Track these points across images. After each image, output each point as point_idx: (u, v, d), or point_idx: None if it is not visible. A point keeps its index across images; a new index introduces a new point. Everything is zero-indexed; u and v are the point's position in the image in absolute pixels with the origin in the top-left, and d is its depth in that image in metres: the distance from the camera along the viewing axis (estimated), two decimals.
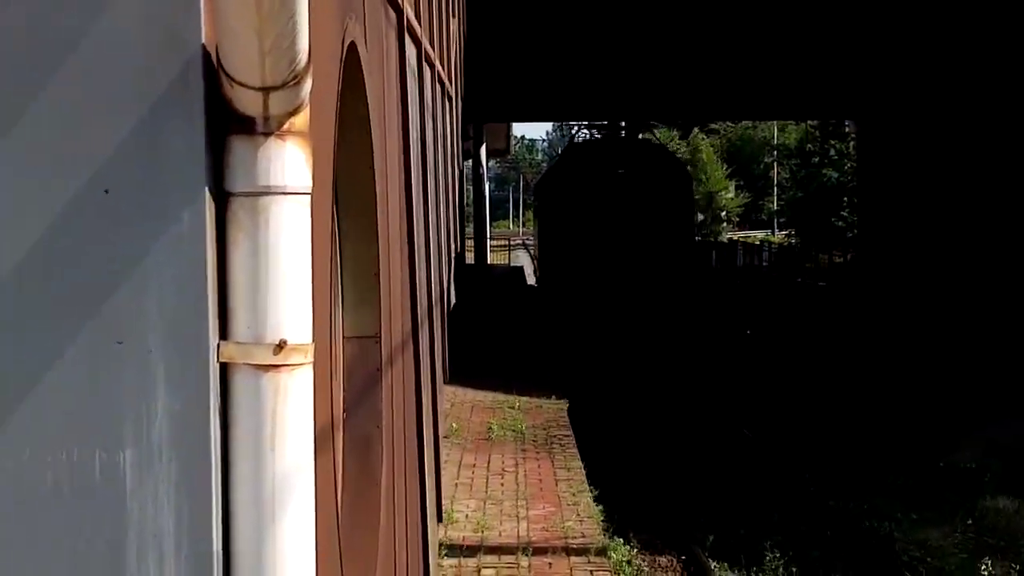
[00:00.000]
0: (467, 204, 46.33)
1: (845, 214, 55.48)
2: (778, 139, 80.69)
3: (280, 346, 2.86)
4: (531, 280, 47.55)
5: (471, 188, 48.21)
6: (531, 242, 72.69)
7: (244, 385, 2.84)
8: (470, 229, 47.80)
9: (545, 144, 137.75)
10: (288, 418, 2.86)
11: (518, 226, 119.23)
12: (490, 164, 60.31)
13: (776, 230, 77.42)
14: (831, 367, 29.78)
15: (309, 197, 2.95)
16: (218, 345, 2.81)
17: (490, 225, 55.69)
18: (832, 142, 58.52)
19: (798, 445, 21.94)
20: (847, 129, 55.95)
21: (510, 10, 35.46)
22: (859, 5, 34.41)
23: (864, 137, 43.15)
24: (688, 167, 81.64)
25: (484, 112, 37.94)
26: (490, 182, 63.00)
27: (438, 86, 14.86)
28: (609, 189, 31.89)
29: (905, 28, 33.44)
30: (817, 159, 60.17)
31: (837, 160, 57.93)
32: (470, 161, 43.88)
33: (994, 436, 19.53)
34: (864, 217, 43.00)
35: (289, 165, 2.89)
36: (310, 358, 2.92)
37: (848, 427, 23.23)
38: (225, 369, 2.83)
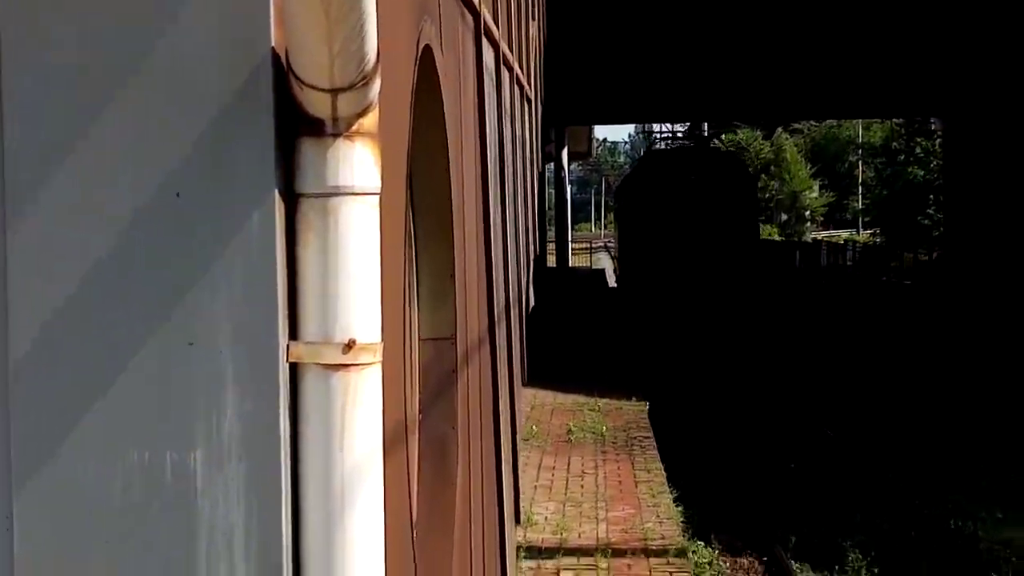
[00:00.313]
0: (549, 207, 46.31)
1: (931, 212, 54.85)
2: (863, 137, 79.92)
3: (349, 345, 2.87)
4: (612, 282, 47.56)
5: (552, 191, 48.18)
6: (612, 244, 72.57)
7: (313, 384, 2.86)
8: (552, 232, 47.78)
9: (627, 146, 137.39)
10: (357, 417, 2.87)
11: (600, 229, 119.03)
12: (572, 167, 60.23)
13: (861, 229, 76.65)
14: (916, 366, 29.46)
15: (378, 198, 2.96)
16: (287, 345, 2.83)
17: (572, 228, 55.58)
18: (918, 140, 57.90)
19: (882, 445, 21.73)
20: (933, 127, 55.30)
21: (591, 12, 35.41)
22: (942, 4, 33.99)
23: (951, 135, 42.62)
24: (771, 167, 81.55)
25: (566, 115, 37.95)
26: (572, 185, 62.90)
27: (516, 89, 14.87)
28: (681, 194, 34.17)
29: (992, 24, 32.97)
30: (903, 157, 59.53)
31: (923, 158, 57.31)
32: (552, 164, 43.86)
33: None
34: (950, 215, 42.49)
35: (358, 166, 2.91)
36: (379, 357, 2.93)
37: (933, 427, 22.98)
38: (294, 369, 2.85)
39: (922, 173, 56.90)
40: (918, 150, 57.98)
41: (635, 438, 16.83)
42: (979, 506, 17.09)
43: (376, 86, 2.92)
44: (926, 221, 55.18)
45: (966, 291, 35.71)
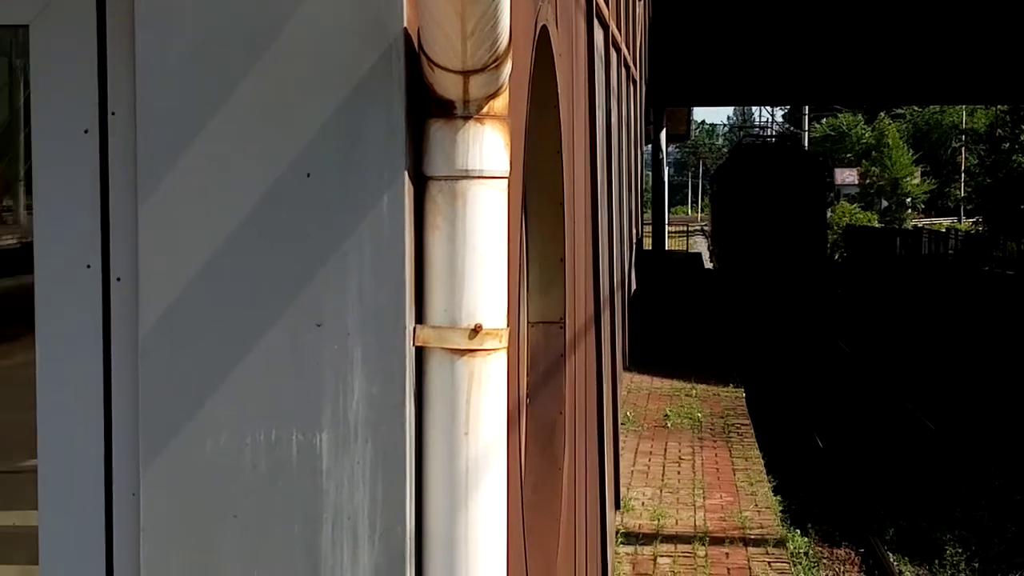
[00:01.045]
0: (645, 189, 46.15)
1: None
2: (967, 124, 78.61)
3: (475, 330, 2.85)
4: (707, 266, 47.44)
5: (650, 173, 47.96)
6: (708, 228, 72.26)
7: (439, 369, 2.84)
8: (648, 215, 47.58)
9: (725, 129, 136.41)
10: (482, 403, 2.85)
11: (696, 212, 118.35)
12: (669, 149, 59.90)
13: (963, 217, 75.42)
14: (1019, 358, 28.96)
15: (507, 181, 2.94)
16: (414, 329, 2.81)
17: (668, 211, 55.28)
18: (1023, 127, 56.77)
19: (983, 438, 21.40)
20: None
21: None
22: None
23: None
24: (872, 152, 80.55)
25: (665, 96, 37.73)
26: (669, 167, 62.62)
27: (623, 70, 14.79)
28: (761, 185, 39.14)
29: None
30: (1007, 145, 58.39)
31: None
32: (649, 146, 43.63)
33: None
34: None
35: (487, 149, 2.88)
36: (504, 343, 2.90)
37: None
38: (420, 352, 2.83)
39: None
40: (1023, 137, 56.86)
41: (732, 425, 16.72)
42: None
43: (507, 68, 2.89)
44: None
45: None
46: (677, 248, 62.51)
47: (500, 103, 2.92)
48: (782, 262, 37.92)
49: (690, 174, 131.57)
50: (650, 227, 47.82)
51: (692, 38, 36.16)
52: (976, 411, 23.86)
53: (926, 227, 63.83)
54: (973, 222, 66.01)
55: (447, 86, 2.83)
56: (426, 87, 2.86)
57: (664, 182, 48.14)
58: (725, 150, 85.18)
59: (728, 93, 43.15)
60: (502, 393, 2.91)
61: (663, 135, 45.07)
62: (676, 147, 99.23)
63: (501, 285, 2.91)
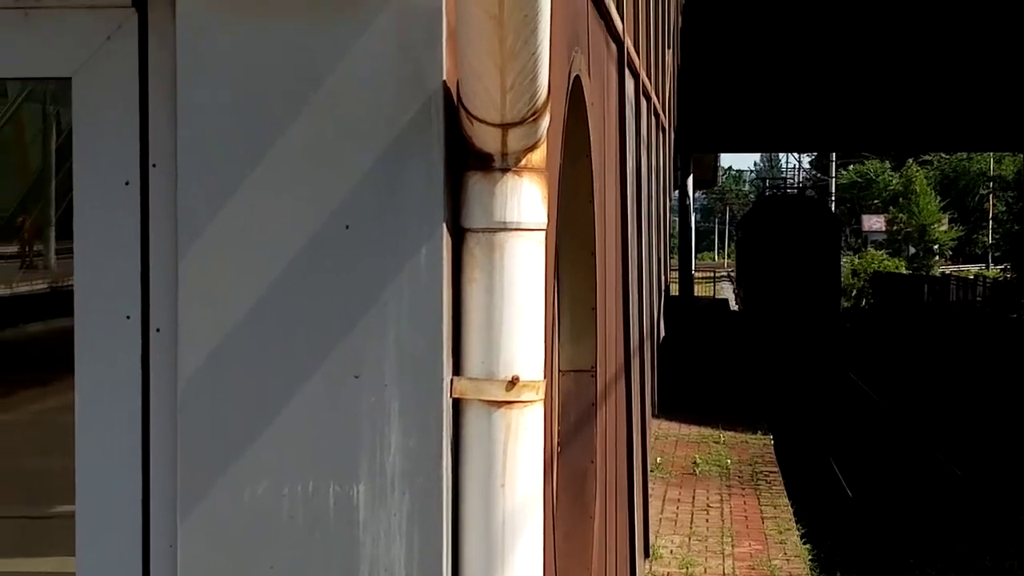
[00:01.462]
0: (672, 236, 46.18)
1: None
2: (994, 171, 78.39)
3: (513, 382, 2.85)
4: (734, 306, 47.74)
5: (676, 219, 47.92)
6: (734, 274, 72.37)
7: (476, 421, 2.84)
8: (675, 260, 47.55)
9: (752, 175, 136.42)
10: (519, 455, 2.85)
11: (723, 258, 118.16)
12: (697, 195, 59.92)
13: (991, 264, 75.11)
14: None
15: (544, 233, 2.94)
16: (451, 380, 2.81)
17: (695, 257, 55.27)
18: None
19: (1012, 486, 21.23)
20: None
21: (722, 40, 35.25)
22: None
23: None
24: (900, 198, 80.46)
25: (692, 142, 37.78)
26: (696, 213, 62.67)
27: (653, 118, 14.83)
28: (782, 234, 43.27)
29: None
30: None
31: None
32: (676, 192, 43.64)
33: None
34: None
35: (525, 201, 2.89)
36: (541, 395, 2.90)
37: None
38: (458, 404, 2.83)
39: None
40: None
41: (761, 472, 16.62)
42: None
43: (546, 121, 2.90)
44: None
45: None
46: (704, 294, 62.39)
47: (538, 156, 2.93)
48: (796, 306, 41.91)
49: (717, 220, 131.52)
50: (677, 273, 47.77)
51: (720, 85, 36.23)
52: (1004, 458, 23.69)
53: (954, 274, 63.57)
54: (1001, 269, 65.71)
55: (486, 139, 2.85)
56: (464, 139, 2.87)
57: (691, 228, 48.12)
58: (752, 196, 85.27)
59: (755, 140, 43.26)
60: (539, 445, 2.90)
61: (690, 181, 45.08)
62: (703, 193, 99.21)
63: (539, 337, 2.91)
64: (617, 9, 7.72)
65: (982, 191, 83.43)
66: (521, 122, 2.83)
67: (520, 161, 2.90)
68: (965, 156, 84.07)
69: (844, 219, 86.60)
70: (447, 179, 2.80)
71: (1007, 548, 17.23)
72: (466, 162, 2.88)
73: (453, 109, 2.83)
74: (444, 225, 2.78)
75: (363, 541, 2.76)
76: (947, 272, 67.89)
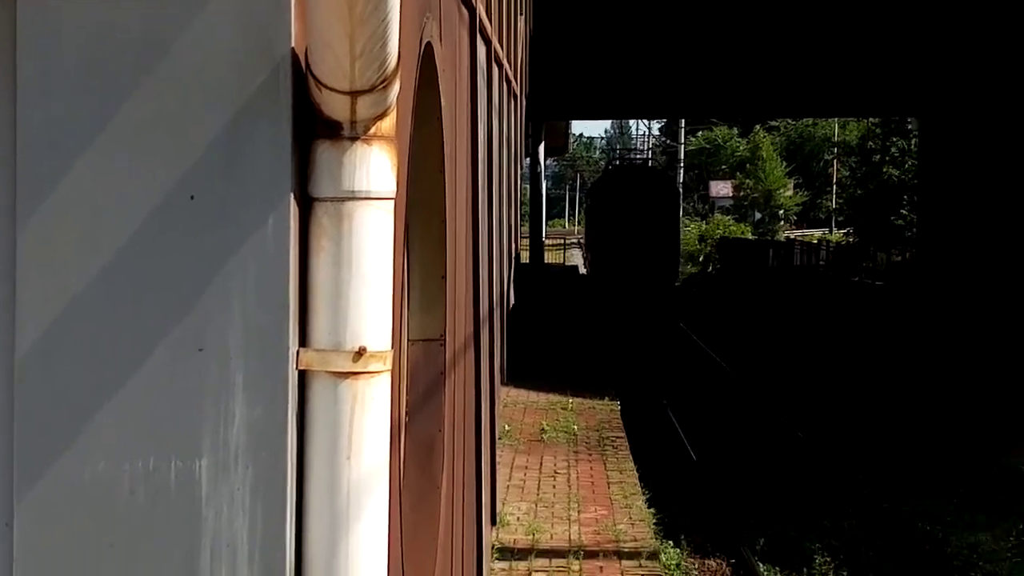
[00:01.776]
0: (524, 203, 46.35)
1: (905, 213, 54.87)
2: (839, 136, 79.96)
3: (359, 353, 2.82)
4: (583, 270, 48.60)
5: (528, 186, 48.08)
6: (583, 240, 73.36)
7: (322, 392, 2.81)
8: (526, 228, 47.72)
9: (603, 142, 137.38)
10: (366, 426, 2.82)
11: (574, 225, 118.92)
12: (548, 162, 60.19)
13: (834, 228, 76.69)
14: (888, 368, 29.55)
15: (393, 203, 2.91)
16: (297, 352, 2.78)
17: (546, 224, 55.57)
18: (893, 139, 57.86)
19: (852, 447, 21.79)
20: (909, 127, 55.35)
21: (571, 8, 35.36)
22: (921, 3, 34.06)
23: (927, 135, 42.67)
24: (747, 164, 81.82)
25: (544, 110, 37.88)
26: (547, 180, 62.97)
27: (505, 85, 14.81)
28: (624, 202, 45.41)
29: (970, 23, 33.03)
30: (878, 157, 59.42)
31: (898, 158, 57.28)
32: (528, 159, 43.77)
33: None
34: (924, 216, 42.55)
35: (374, 170, 2.85)
36: (389, 365, 2.88)
37: (903, 429, 23.06)
38: (303, 376, 2.80)
39: (897, 173, 56.82)
40: (893, 150, 57.85)
41: (607, 438, 16.81)
42: (947, 509, 17.14)
43: (395, 89, 2.87)
44: (900, 221, 55.10)
45: (939, 292, 35.78)
46: (555, 261, 62.77)
47: (388, 124, 2.89)
48: (636, 271, 44.12)
49: (568, 187, 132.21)
50: (528, 240, 47.97)
51: (571, 53, 36.37)
52: (845, 420, 24.30)
53: (798, 238, 64.76)
54: (844, 233, 67.11)
55: (335, 107, 2.81)
56: (313, 107, 2.82)
57: (542, 195, 48.34)
58: (603, 163, 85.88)
59: (605, 107, 43.54)
60: (386, 417, 2.88)
61: (542, 148, 45.26)
62: (555, 160, 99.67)
63: (386, 307, 2.88)
64: None
65: (827, 157, 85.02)
66: (371, 90, 2.80)
67: (370, 129, 2.87)
68: (811, 122, 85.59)
69: (692, 185, 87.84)
70: (295, 148, 2.76)
71: (845, 508, 17.68)
72: (315, 130, 2.84)
73: (302, 76, 2.78)
74: (291, 195, 2.74)
75: (205, 515, 2.72)
76: (792, 237, 69.11)
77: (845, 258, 51.76)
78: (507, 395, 19.27)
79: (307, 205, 2.81)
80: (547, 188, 61.36)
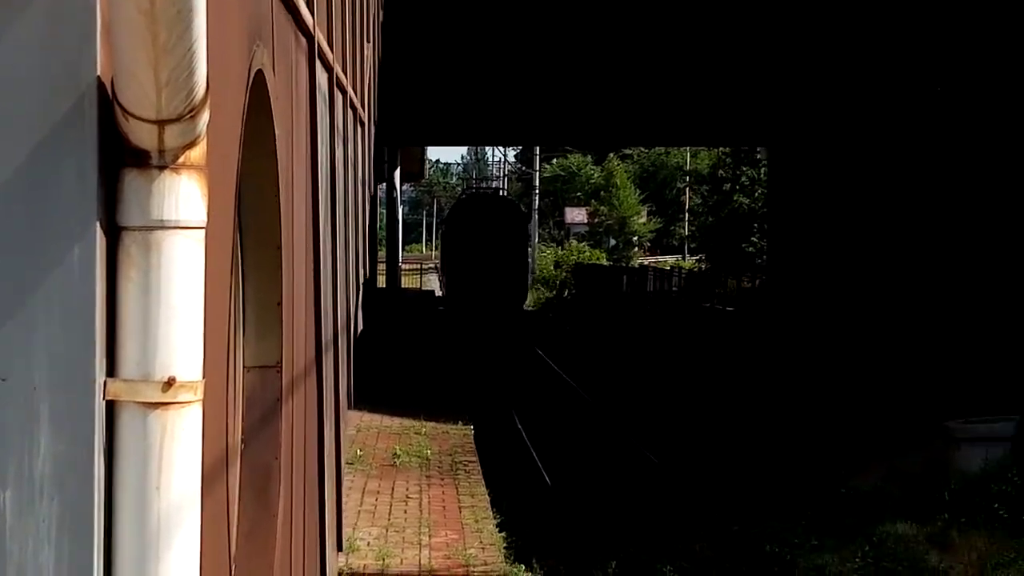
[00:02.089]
0: (380, 228, 46.30)
1: (755, 240, 55.88)
2: (691, 165, 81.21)
3: (169, 383, 2.81)
4: (441, 305, 48.28)
5: (384, 212, 48.04)
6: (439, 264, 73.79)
7: (131, 423, 2.79)
8: (383, 253, 47.67)
9: (460, 168, 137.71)
10: (175, 457, 2.82)
11: (431, 250, 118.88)
12: (404, 188, 60.27)
13: (687, 255, 77.82)
14: (736, 392, 30.00)
15: (203, 232, 2.91)
16: (105, 382, 2.76)
17: (403, 249, 55.64)
18: (744, 168, 58.95)
19: (703, 470, 22.09)
20: (759, 156, 56.43)
21: (424, 35, 35.50)
22: (769, 37, 34.85)
23: (774, 164, 43.58)
24: (601, 192, 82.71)
25: (399, 136, 37.92)
26: (404, 205, 63.10)
27: (351, 111, 14.81)
28: (476, 229, 48.46)
29: (812, 57, 33.89)
30: (728, 185, 60.51)
31: (748, 186, 58.33)
32: (384, 184, 43.74)
33: (894, 462, 19.75)
34: (773, 243, 43.40)
35: (183, 199, 2.85)
36: (199, 395, 2.87)
37: (752, 452, 23.42)
38: (112, 406, 2.78)
39: (747, 201, 57.86)
40: (743, 179, 58.93)
41: (460, 462, 16.82)
42: (795, 532, 17.45)
43: (204, 118, 2.87)
44: (750, 248, 56.14)
45: (786, 317, 36.51)
46: (412, 285, 62.71)
47: (197, 152, 2.89)
48: (486, 295, 46.66)
49: (425, 212, 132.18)
50: (384, 264, 47.89)
51: (425, 79, 36.46)
52: (697, 443, 24.62)
53: (652, 265, 65.55)
54: (696, 260, 68.13)
55: (141, 136, 2.80)
56: (121, 136, 2.81)
57: (398, 221, 48.44)
58: (459, 189, 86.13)
59: (460, 134, 43.72)
60: (197, 446, 2.87)
61: (397, 174, 45.27)
62: (411, 186, 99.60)
63: (197, 337, 2.88)
64: (307, 3, 7.68)
65: (679, 185, 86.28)
66: (178, 119, 2.80)
67: (179, 158, 2.87)
68: (663, 151, 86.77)
69: (548, 211, 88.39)
70: (101, 177, 2.75)
71: (697, 531, 17.91)
72: (122, 159, 2.83)
73: (108, 105, 2.77)
74: (98, 223, 2.73)
75: (10, 550, 2.68)
76: (645, 263, 69.92)
77: (697, 284, 52.53)
78: (361, 420, 19.19)
79: (115, 234, 2.80)
80: (404, 213, 61.63)
